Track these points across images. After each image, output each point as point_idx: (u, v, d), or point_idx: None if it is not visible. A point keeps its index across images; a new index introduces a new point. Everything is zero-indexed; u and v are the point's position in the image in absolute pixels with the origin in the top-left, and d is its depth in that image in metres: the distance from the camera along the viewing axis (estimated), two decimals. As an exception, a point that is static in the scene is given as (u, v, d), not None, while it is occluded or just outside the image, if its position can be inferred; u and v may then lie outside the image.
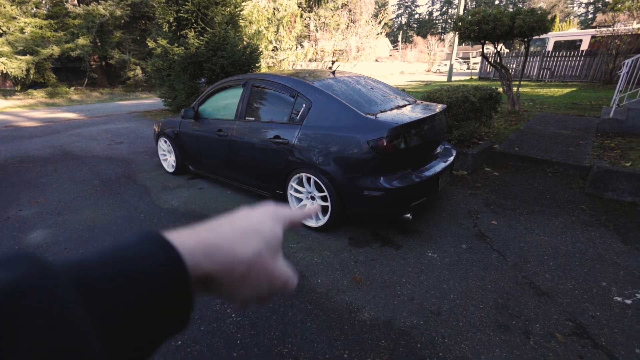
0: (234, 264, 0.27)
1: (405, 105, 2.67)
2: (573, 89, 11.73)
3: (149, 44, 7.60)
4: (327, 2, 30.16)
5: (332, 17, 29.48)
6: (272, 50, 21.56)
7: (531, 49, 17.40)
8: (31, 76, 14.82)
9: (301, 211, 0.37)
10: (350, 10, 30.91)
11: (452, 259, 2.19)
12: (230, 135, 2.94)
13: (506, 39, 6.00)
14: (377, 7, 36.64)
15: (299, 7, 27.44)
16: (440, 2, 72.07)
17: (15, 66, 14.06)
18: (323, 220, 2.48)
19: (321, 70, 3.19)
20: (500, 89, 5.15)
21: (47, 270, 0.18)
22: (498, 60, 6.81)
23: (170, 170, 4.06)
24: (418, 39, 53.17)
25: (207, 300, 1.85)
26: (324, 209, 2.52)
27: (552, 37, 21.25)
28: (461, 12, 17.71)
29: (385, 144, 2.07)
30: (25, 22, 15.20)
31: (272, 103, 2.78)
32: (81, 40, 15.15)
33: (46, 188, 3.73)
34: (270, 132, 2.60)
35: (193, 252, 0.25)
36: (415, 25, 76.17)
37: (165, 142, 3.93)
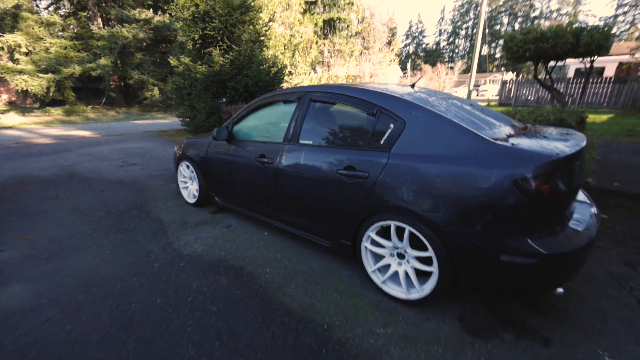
0: None
1: (529, 130, 1.94)
2: (610, 115, 11.03)
3: (172, 61, 7.25)
4: (342, 30, 31.03)
5: (346, 44, 30.14)
6: (287, 74, 21.78)
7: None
8: (51, 94, 14.84)
9: None
10: (364, 38, 31.62)
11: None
12: (277, 162, 2.25)
13: (564, 58, 5.39)
14: (390, 35, 37.51)
15: (315, 34, 28.18)
16: (447, 33, 74.21)
17: (37, 84, 14.12)
18: (422, 291, 1.69)
19: (397, 83, 2.55)
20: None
21: None
22: (550, 83, 6.19)
23: (191, 200, 3.37)
24: (426, 67, 54.21)
25: None
26: (420, 274, 1.75)
27: (573, 64, 20.88)
28: (479, 40, 17.59)
29: (543, 184, 1.34)
30: (51, 43, 15.51)
31: (341, 123, 2.11)
32: (102, 61, 15.29)
33: (42, 219, 3.06)
34: (339, 160, 1.90)
35: None
36: (422, 54, 78.23)
37: (188, 167, 3.27)
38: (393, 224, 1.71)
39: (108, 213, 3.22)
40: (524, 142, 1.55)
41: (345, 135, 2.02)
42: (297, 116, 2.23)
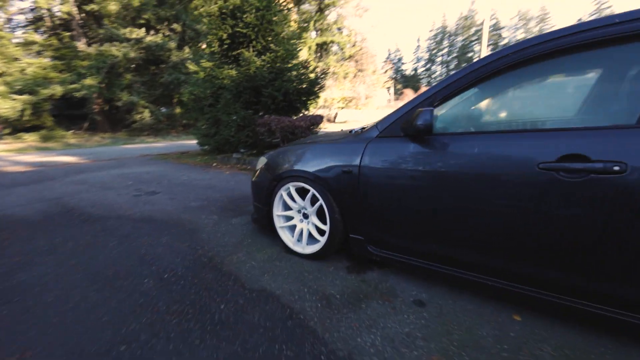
0: None
1: None
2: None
3: (190, 67, 5.95)
4: (335, 53, 31.33)
5: (340, 66, 30.24)
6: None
7: None
8: (25, 117, 12.97)
9: None
10: (357, 61, 31.91)
11: None
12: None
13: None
14: (385, 59, 38.22)
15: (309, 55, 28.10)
16: (424, 60, 78.22)
17: (9, 106, 12.29)
18: None
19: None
20: None
21: None
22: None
23: (305, 249, 1.93)
24: (407, 91, 56.10)
25: None
26: None
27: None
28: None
29: None
30: (28, 63, 13.89)
31: None
32: (88, 81, 13.77)
33: (35, 305, 1.52)
34: None
35: None
36: (401, 79, 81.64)
37: (303, 193, 1.88)
38: None
39: (160, 281, 1.72)
40: None
41: None
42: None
